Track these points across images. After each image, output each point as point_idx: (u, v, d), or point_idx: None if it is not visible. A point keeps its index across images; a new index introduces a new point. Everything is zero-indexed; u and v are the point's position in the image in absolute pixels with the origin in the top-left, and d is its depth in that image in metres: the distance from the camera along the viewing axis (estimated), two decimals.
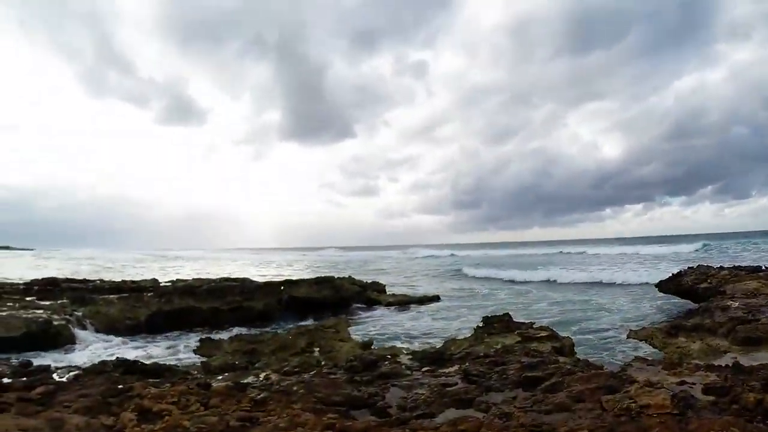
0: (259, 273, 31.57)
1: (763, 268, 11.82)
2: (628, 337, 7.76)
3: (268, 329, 11.65)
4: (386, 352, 7.38)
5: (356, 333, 11.15)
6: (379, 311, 15.66)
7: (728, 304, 7.35)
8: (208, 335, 10.01)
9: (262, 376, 5.96)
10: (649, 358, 5.67)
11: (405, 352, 7.46)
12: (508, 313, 8.54)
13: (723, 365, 4.86)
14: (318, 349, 8.32)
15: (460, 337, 8.72)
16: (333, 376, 5.64)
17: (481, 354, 6.60)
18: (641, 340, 7.58)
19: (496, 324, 8.19)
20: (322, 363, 6.84)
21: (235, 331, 11.26)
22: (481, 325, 8.52)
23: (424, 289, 21.80)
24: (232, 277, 19.11)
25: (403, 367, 6.31)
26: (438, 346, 7.78)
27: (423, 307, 16.19)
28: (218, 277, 19.02)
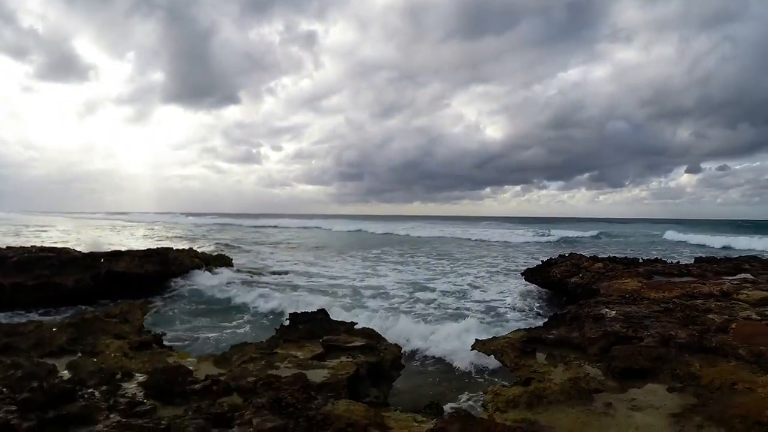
0: (122, 241, 26.41)
1: (640, 260, 10.80)
2: (472, 348, 5.74)
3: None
4: (140, 362, 4.64)
5: (161, 320, 9.10)
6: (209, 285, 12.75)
7: (603, 312, 5.61)
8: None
9: None
10: (473, 412, 3.54)
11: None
12: (323, 310, 6.14)
13: None
14: (81, 347, 5.43)
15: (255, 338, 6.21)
16: None
17: (247, 382, 4.04)
18: (489, 354, 5.60)
19: (302, 325, 5.74)
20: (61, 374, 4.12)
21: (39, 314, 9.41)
22: (286, 323, 6.04)
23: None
24: (59, 246, 14.22)
25: (110, 403, 3.51)
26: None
27: (269, 279, 13.72)
28: (35, 245, 14.15)
